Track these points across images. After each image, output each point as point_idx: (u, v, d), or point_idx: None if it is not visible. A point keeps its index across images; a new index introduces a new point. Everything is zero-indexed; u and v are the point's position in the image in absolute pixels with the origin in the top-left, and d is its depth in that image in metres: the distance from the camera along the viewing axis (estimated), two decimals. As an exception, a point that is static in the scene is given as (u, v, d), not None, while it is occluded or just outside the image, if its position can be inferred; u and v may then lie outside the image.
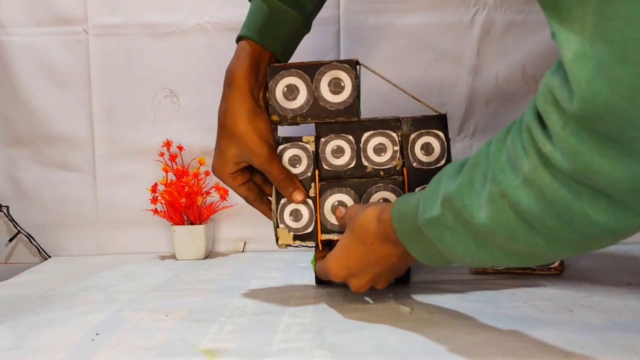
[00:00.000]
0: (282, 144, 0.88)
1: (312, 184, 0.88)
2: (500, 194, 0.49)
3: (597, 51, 0.40)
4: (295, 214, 0.88)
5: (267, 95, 0.88)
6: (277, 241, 0.89)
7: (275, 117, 0.88)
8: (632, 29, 0.37)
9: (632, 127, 0.40)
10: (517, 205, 0.48)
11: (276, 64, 0.88)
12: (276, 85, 0.87)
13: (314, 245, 0.89)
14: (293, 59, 0.92)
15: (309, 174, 0.88)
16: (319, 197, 0.87)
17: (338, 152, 0.87)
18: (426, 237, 0.64)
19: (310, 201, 0.88)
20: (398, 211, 0.69)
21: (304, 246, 0.93)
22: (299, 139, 0.88)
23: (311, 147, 0.88)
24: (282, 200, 0.88)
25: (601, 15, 0.39)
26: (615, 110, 0.39)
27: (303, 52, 1.17)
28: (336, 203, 0.86)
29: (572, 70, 0.41)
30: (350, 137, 0.87)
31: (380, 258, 0.75)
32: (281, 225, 0.88)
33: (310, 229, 0.88)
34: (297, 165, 0.88)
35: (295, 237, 0.88)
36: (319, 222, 0.87)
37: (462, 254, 0.60)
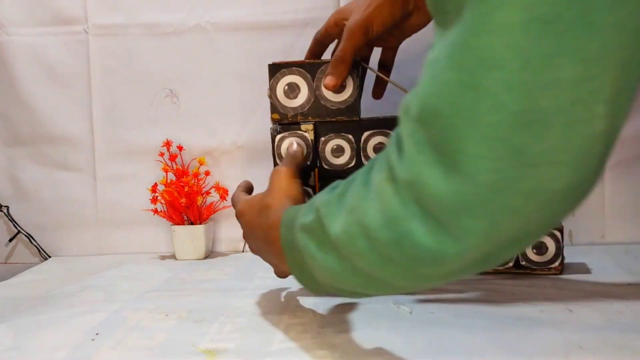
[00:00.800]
0: (280, 132, 0.88)
1: (312, 173, 0.88)
2: (353, 206, 0.48)
3: (438, 54, 0.39)
4: None
5: (268, 92, 0.88)
6: None
7: (275, 116, 0.88)
8: (467, 34, 0.36)
9: (455, 137, 0.38)
10: (363, 218, 0.46)
11: (277, 62, 0.88)
12: (277, 84, 0.87)
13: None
14: (294, 58, 0.92)
15: (308, 162, 0.88)
16: None
17: (338, 151, 0.88)
18: (298, 246, 0.59)
19: (310, 190, 0.88)
20: (287, 216, 0.64)
21: None
22: (298, 127, 0.88)
23: (310, 136, 0.88)
24: None
25: (457, 22, 0.38)
26: (441, 116, 0.38)
27: (302, 52, 1.17)
28: None
29: (422, 74, 0.40)
30: (350, 137, 0.87)
31: (266, 244, 0.70)
32: None
33: None
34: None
35: None
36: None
37: (321, 268, 0.55)
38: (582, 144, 0.37)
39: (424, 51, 1.15)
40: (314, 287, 0.62)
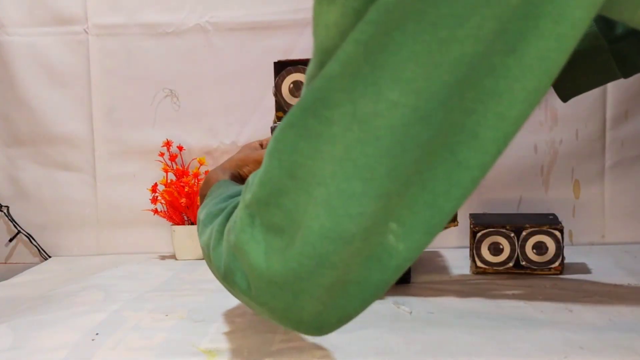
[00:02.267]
0: None
1: None
2: (210, 235, 0.56)
3: (270, 161, 0.45)
4: None
5: (273, 91, 0.88)
6: None
7: (280, 114, 0.88)
8: (297, 155, 0.43)
9: (279, 229, 0.44)
10: (213, 250, 0.55)
11: (282, 60, 0.88)
12: (282, 82, 0.87)
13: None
14: (294, 58, 0.92)
15: None
16: None
17: None
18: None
19: None
20: (212, 188, 0.71)
21: None
22: None
23: None
24: None
25: (274, 136, 0.45)
26: (277, 210, 0.44)
27: (302, 51, 1.17)
28: None
29: (261, 169, 0.46)
30: None
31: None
32: None
33: None
34: None
35: None
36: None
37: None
38: (373, 250, 0.43)
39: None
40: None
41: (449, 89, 0.38)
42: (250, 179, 0.49)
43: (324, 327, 0.48)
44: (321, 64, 0.42)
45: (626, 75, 0.85)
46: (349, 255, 0.43)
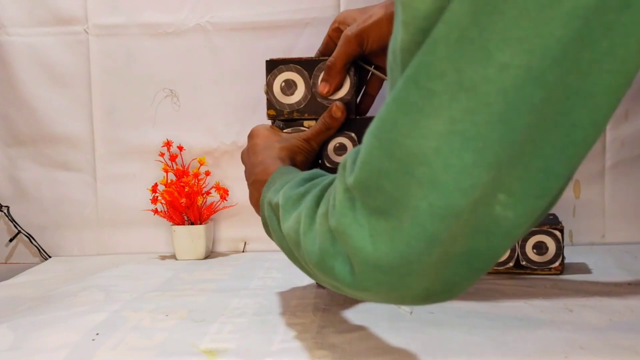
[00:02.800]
0: (283, 128, 0.88)
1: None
2: (299, 218, 0.55)
3: (370, 141, 0.44)
4: None
5: (265, 89, 0.88)
6: None
7: (271, 112, 0.88)
8: (395, 132, 0.42)
9: (383, 213, 0.44)
10: (303, 235, 0.54)
11: (274, 59, 0.88)
12: (274, 80, 0.87)
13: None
14: (298, 56, 0.92)
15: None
16: None
17: (340, 149, 0.87)
18: (264, 210, 0.70)
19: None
20: (272, 178, 0.72)
21: None
22: (300, 123, 0.88)
23: None
24: None
25: (378, 115, 0.44)
26: (373, 195, 0.44)
27: (302, 51, 1.17)
28: None
29: (359, 152, 0.46)
30: (353, 135, 0.87)
31: (252, 184, 0.79)
32: None
33: None
34: None
35: None
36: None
37: (277, 241, 0.67)
38: (478, 222, 0.42)
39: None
40: (273, 239, 0.70)
41: (563, 45, 0.37)
42: (345, 159, 0.49)
43: (429, 298, 0.48)
44: (418, 31, 0.40)
45: None
46: (457, 229, 0.42)
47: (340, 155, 0.87)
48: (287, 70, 0.87)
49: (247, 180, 0.81)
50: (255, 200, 0.76)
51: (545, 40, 0.37)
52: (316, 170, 0.67)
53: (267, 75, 0.87)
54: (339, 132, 0.87)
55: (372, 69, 0.91)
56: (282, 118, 0.88)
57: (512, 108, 0.38)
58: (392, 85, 0.44)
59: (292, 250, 0.59)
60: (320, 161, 0.88)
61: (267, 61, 0.88)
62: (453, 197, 0.41)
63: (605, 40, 0.37)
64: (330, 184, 0.54)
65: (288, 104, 0.87)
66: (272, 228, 0.66)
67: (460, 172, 0.40)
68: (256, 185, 0.75)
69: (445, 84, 0.39)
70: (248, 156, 0.82)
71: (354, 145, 0.87)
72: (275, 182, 0.69)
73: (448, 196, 0.41)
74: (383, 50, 0.89)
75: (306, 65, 0.86)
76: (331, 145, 0.87)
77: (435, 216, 0.41)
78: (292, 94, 0.87)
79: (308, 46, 1.18)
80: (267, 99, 0.88)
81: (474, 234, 0.43)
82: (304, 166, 0.83)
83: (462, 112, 0.39)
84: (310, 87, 0.86)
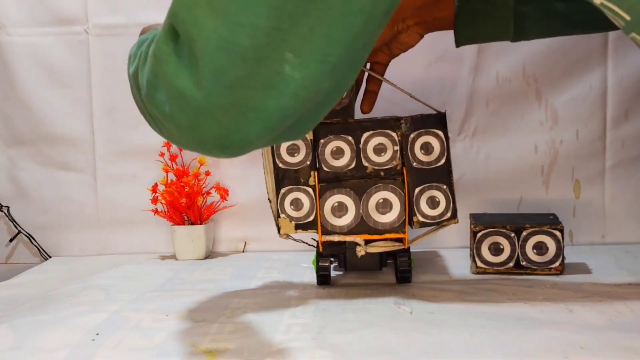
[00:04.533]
0: None
1: (312, 173, 0.87)
2: (139, 57, 0.58)
3: None
4: (296, 203, 0.88)
5: None
6: (278, 231, 0.88)
7: None
8: None
9: (186, 44, 0.47)
10: (140, 70, 0.56)
11: None
12: None
13: (315, 244, 0.89)
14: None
15: (308, 163, 0.88)
16: (319, 198, 0.87)
17: (338, 153, 0.87)
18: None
19: (310, 190, 0.87)
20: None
21: (304, 242, 0.93)
22: None
23: (309, 136, 0.88)
24: (282, 190, 0.88)
25: None
26: (185, 24, 0.47)
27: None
28: (336, 204, 0.86)
29: None
30: (350, 138, 0.87)
31: None
32: (282, 215, 0.88)
33: (311, 218, 0.87)
34: (296, 154, 0.88)
35: (297, 226, 0.88)
36: (319, 224, 0.86)
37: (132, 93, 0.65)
38: (269, 78, 0.46)
39: (423, 51, 1.12)
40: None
41: None
42: None
43: (226, 148, 0.51)
44: None
45: (515, 39, 0.86)
46: (244, 75, 0.46)
47: (337, 159, 0.87)
48: None
49: None
50: None
51: None
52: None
53: None
54: (336, 135, 0.87)
55: (367, 69, 0.91)
56: None
57: None
58: None
59: (136, 97, 0.60)
60: (317, 165, 0.88)
61: None
62: (236, 32, 0.44)
63: None
64: (153, 39, 0.57)
65: None
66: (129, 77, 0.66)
67: (245, 7, 0.44)
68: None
69: None
70: None
71: (351, 148, 0.87)
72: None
73: (232, 30, 0.44)
74: (380, 47, 0.89)
75: None
76: (328, 149, 0.87)
77: (219, 49, 0.45)
78: None
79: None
80: None
81: (265, 90, 0.46)
82: None
83: None
84: None
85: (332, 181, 0.87)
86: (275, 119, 0.48)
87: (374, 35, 0.48)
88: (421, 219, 0.87)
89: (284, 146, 0.88)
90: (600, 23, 0.66)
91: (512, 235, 0.95)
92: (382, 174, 0.87)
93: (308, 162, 0.88)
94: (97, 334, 0.74)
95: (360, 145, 0.87)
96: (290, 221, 0.88)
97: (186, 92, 0.47)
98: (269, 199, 0.89)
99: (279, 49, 0.45)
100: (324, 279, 0.92)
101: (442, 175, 0.87)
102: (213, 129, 0.49)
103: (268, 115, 0.48)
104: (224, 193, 1.19)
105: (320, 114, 0.52)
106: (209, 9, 0.45)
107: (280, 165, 0.88)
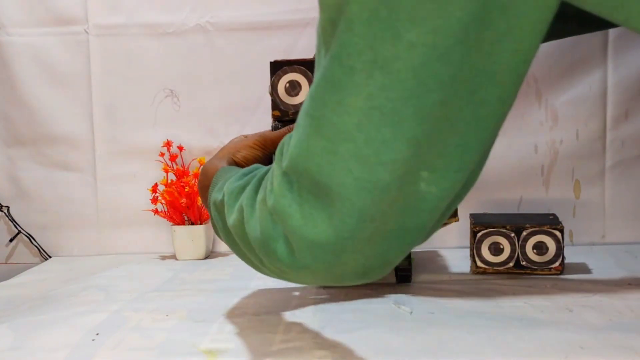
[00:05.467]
0: (279, 129, 0.88)
1: None
2: (242, 209, 0.56)
3: (303, 121, 0.46)
4: None
5: (269, 90, 0.88)
6: None
7: (276, 113, 0.88)
8: (325, 110, 0.44)
9: (317, 192, 0.45)
10: (246, 224, 0.55)
11: (278, 60, 0.88)
12: (278, 81, 0.87)
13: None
14: (298, 56, 0.93)
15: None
16: None
17: None
18: (210, 211, 0.69)
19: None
20: (215, 180, 0.70)
21: None
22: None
23: None
24: None
25: (309, 94, 0.46)
26: (308, 173, 0.46)
27: (302, 51, 1.17)
28: None
29: (293, 134, 0.48)
30: None
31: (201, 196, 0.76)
32: None
33: None
34: None
35: None
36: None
37: (225, 240, 0.65)
38: (407, 199, 0.45)
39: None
40: (223, 240, 0.68)
41: (464, 26, 0.39)
42: (283, 142, 0.50)
43: (367, 275, 0.50)
44: (332, 9, 0.42)
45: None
46: (386, 206, 0.44)
47: None
48: (292, 72, 0.87)
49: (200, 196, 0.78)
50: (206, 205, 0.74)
51: (447, 20, 0.39)
52: (255, 165, 0.68)
53: (271, 77, 0.87)
54: None
55: None
56: (287, 119, 0.88)
57: (422, 84, 0.40)
58: (318, 65, 0.46)
59: (239, 245, 0.59)
60: None
61: (271, 62, 0.88)
62: (376, 171, 0.43)
63: (502, 21, 0.40)
64: (267, 172, 0.56)
65: (293, 105, 0.87)
66: (219, 228, 0.65)
67: (381, 146, 0.42)
68: (202, 192, 0.74)
69: (363, 62, 0.41)
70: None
71: None
72: (218, 182, 0.69)
73: (371, 170, 0.43)
74: None
75: (310, 67, 0.87)
76: None
77: (361, 190, 0.43)
78: (296, 94, 0.87)
79: (308, 46, 1.18)
80: (272, 100, 0.88)
81: (403, 211, 0.45)
82: (247, 161, 0.79)
83: (378, 89, 0.41)
84: None
85: None
86: (414, 237, 0.47)
87: (502, 124, 0.46)
88: None
89: None
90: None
91: (512, 235, 0.95)
92: None
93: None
94: (97, 334, 0.74)
95: None
96: None
97: (321, 240, 0.46)
98: None
99: (416, 171, 0.44)
100: (324, 279, 0.92)
101: None
102: (354, 263, 0.48)
103: (407, 234, 0.47)
104: (224, 193, 1.18)
105: (449, 213, 0.50)
106: (335, 155, 0.44)
107: None
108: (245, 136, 0.81)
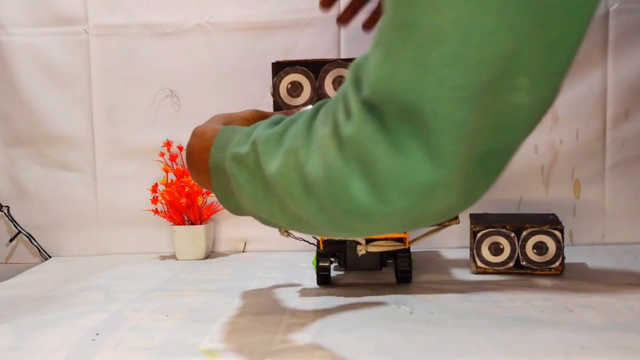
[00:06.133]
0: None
1: None
2: (293, 151, 0.49)
3: (386, 36, 0.41)
4: None
5: (271, 90, 0.89)
6: (279, 229, 0.88)
7: None
8: (413, 14, 0.39)
9: (405, 116, 0.40)
10: (302, 166, 0.48)
11: (280, 61, 0.88)
12: (280, 82, 0.87)
13: (316, 243, 0.89)
14: (295, 58, 0.93)
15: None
16: None
17: None
18: (227, 172, 0.59)
19: None
20: (220, 138, 0.62)
21: (305, 240, 0.93)
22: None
23: None
24: None
25: (395, 2, 0.40)
26: (395, 96, 0.40)
27: (302, 51, 1.17)
28: None
29: (370, 55, 0.43)
30: None
31: (191, 162, 0.65)
32: None
33: None
34: None
35: None
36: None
37: (248, 199, 0.57)
38: (503, 115, 0.40)
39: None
40: (235, 210, 0.61)
41: None
42: (357, 69, 0.45)
43: (448, 212, 0.44)
44: None
45: None
46: (479, 118, 0.39)
47: None
48: (293, 72, 0.87)
49: (188, 167, 0.67)
50: (201, 169, 0.63)
51: None
52: (279, 115, 0.59)
53: (273, 77, 0.87)
54: None
55: None
56: None
57: None
58: None
59: (281, 196, 0.51)
60: None
61: (273, 63, 0.88)
62: (475, 72, 0.38)
63: None
64: (315, 112, 0.50)
65: (295, 106, 0.87)
66: (240, 185, 0.56)
67: (483, 39, 0.37)
68: (199, 154, 0.63)
69: None
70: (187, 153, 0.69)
71: None
72: (228, 138, 0.60)
73: (470, 71, 0.38)
74: None
75: (312, 67, 0.87)
76: None
77: (456, 101, 0.39)
78: (298, 95, 0.87)
79: (308, 46, 1.18)
80: (274, 100, 0.88)
81: (492, 128, 0.41)
82: None
83: None
84: (317, 89, 0.87)
85: None
86: (497, 161, 0.43)
87: (592, 21, 0.41)
88: None
89: None
90: None
91: (512, 235, 0.95)
92: None
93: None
94: (97, 334, 0.74)
95: None
96: None
97: (414, 169, 0.41)
98: None
99: (512, 77, 0.39)
100: (324, 278, 0.92)
101: None
102: (444, 198, 0.42)
103: (491, 159, 0.42)
104: (224, 193, 1.18)
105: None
106: (426, 64, 0.39)
107: None
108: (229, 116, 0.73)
